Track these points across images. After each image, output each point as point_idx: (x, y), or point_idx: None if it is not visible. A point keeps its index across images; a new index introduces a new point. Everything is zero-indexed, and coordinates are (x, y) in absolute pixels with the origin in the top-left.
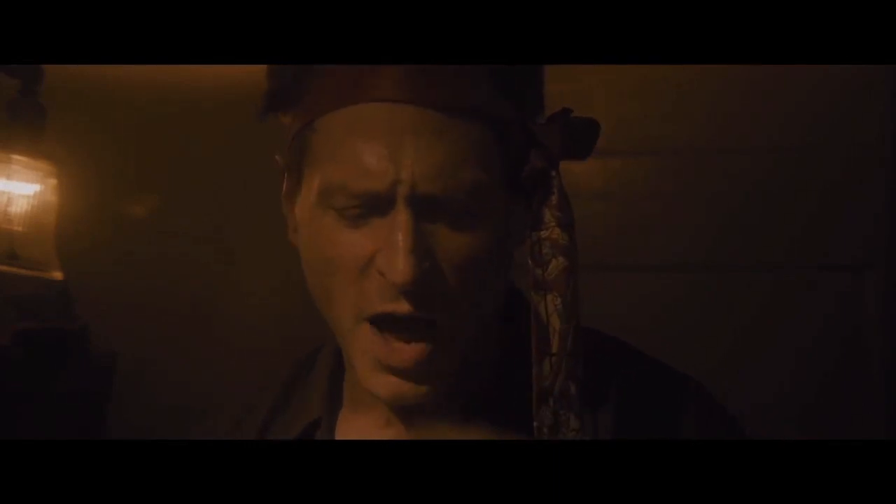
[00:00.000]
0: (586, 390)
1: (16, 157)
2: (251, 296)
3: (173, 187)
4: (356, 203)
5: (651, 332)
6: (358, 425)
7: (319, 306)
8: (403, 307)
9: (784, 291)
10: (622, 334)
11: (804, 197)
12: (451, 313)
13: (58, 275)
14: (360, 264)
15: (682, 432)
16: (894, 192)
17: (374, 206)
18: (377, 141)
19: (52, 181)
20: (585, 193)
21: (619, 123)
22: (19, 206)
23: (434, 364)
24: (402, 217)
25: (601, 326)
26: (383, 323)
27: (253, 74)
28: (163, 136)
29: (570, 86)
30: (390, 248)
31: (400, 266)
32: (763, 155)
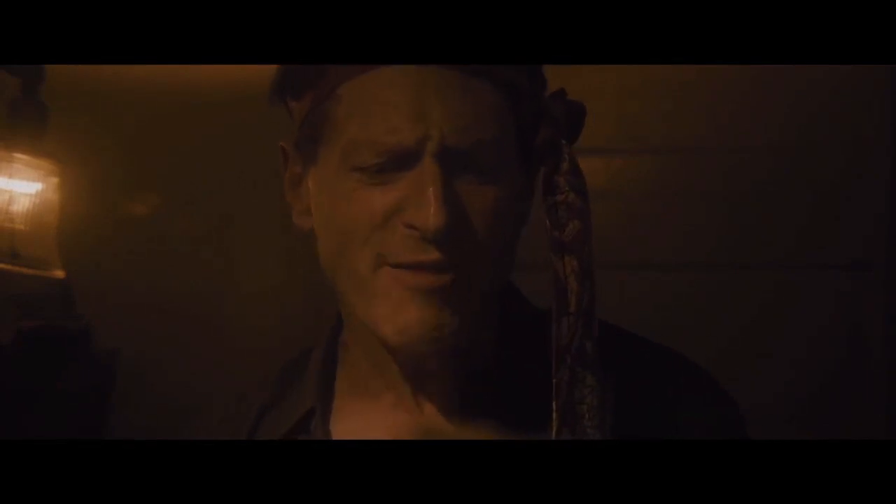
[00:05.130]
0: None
1: (18, 155)
2: (253, 295)
3: (174, 186)
4: (382, 160)
5: (651, 332)
6: (361, 409)
7: (332, 265)
8: (431, 255)
9: (784, 291)
10: None
11: (804, 196)
12: (472, 265)
13: (59, 273)
14: (383, 216)
15: (680, 405)
16: (894, 192)
17: (400, 161)
18: (405, 98)
19: (54, 180)
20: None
21: (619, 123)
22: (21, 205)
23: (456, 292)
24: (431, 169)
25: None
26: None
27: (254, 74)
28: (164, 135)
29: (570, 86)
30: (420, 198)
31: (432, 214)
32: (763, 154)
